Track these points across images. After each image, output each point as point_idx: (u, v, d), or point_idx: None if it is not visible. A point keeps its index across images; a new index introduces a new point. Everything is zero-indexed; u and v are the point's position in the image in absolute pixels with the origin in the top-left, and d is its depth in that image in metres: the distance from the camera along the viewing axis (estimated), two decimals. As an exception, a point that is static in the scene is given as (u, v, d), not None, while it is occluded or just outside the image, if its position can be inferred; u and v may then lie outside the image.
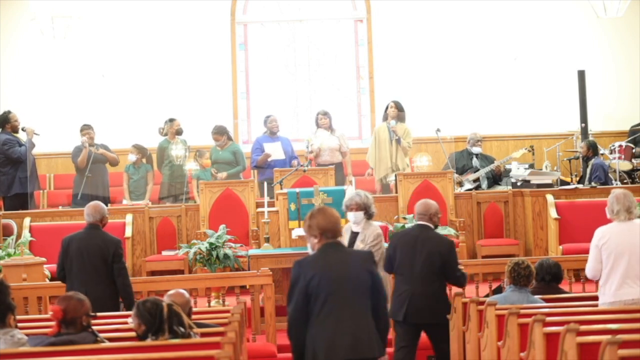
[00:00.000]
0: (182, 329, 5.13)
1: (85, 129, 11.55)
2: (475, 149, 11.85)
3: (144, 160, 11.98)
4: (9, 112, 11.22)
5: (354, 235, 7.27)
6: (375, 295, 4.99)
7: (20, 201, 10.99)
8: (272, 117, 11.76)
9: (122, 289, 7.13)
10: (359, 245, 7.12)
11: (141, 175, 11.88)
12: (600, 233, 6.38)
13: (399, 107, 11.50)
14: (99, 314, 6.32)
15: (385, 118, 11.57)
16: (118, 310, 7.06)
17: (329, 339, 4.83)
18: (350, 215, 7.26)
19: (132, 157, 11.84)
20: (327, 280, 4.88)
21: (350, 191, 9.49)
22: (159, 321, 5.13)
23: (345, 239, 7.09)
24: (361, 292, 4.92)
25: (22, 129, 11.17)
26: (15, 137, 11.14)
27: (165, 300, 5.31)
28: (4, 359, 4.91)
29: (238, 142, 13.46)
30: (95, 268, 7.07)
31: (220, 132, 11.68)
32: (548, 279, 6.83)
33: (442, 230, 9.34)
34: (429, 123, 12.47)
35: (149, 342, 5.14)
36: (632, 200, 6.40)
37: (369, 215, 7.23)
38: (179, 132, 11.82)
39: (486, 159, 11.93)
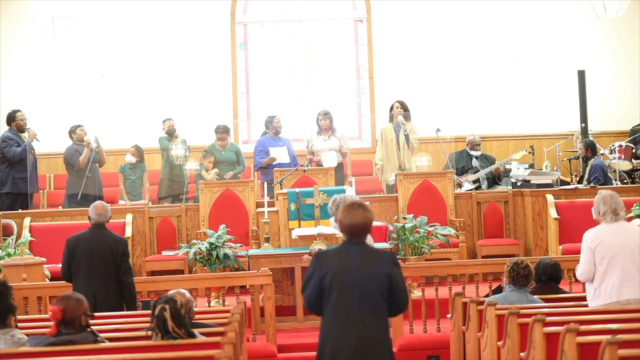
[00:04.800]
0: (177, 333, 5.12)
1: (79, 128, 11.54)
2: (474, 152, 11.85)
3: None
4: (18, 110, 11.28)
5: None
6: (392, 298, 4.88)
7: (11, 200, 11.00)
8: (277, 117, 11.70)
9: (128, 288, 7.18)
10: None
11: (138, 175, 11.91)
12: (592, 235, 6.35)
13: (404, 107, 11.49)
14: (105, 313, 6.37)
15: (391, 119, 11.53)
16: (123, 309, 7.10)
17: (336, 339, 4.80)
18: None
19: (132, 159, 11.85)
20: (340, 280, 4.81)
21: (350, 192, 9.50)
22: (155, 320, 5.15)
23: None
24: (375, 294, 4.82)
25: (27, 130, 11.21)
26: (19, 137, 11.16)
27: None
28: (4, 359, 4.92)
29: (238, 142, 13.48)
30: (105, 267, 7.10)
31: (227, 131, 11.80)
32: (544, 279, 6.82)
33: (442, 230, 9.37)
34: (429, 123, 12.46)
35: (148, 342, 5.14)
36: (618, 201, 6.40)
37: None
38: (169, 133, 11.93)
39: (486, 159, 11.92)
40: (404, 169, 11.24)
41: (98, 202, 7.41)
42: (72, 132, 11.59)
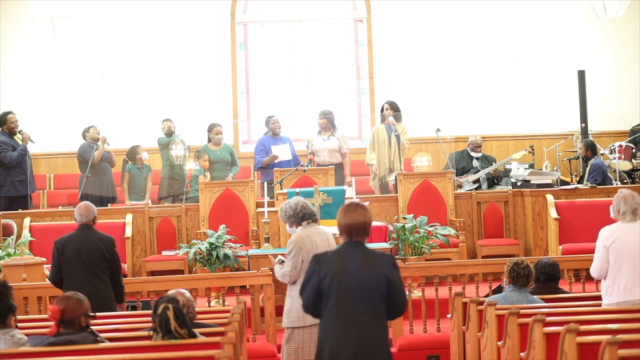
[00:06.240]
0: (179, 333, 5.11)
1: (92, 127, 11.64)
2: (475, 154, 11.85)
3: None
4: (9, 113, 11.21)
5: None
6: (390, 301, 4.87)
7: (9, 203, 10.99)
8: (274, 119, 11.71)
9: (121, 285, 7.16)
10: None
11: (144, 176, 11.95)
12: (607, 233, 6.39)
13: (394, 107, 11.48)
14: (101, 313, 6.36)
15: (382, 119, 11.55)
16: (116, 309, 7.08)
17: (334, 341, 4.80)
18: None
19: (147, 155, 11.91)
20: (338, 282, 4.81)
21: (349, 192, 9.50)
22: (157, 320, 5.14)
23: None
24: (373, 296, 4.81)
25: (20, 132, 11.17)
26: (12, 139, 11.11)
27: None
28: (4, 359, 4.92)
29: (238, 142, 13.49)
30: (97, 268, 7.02)
31: (221, 125, 11.76)
32: (542, 278, 6.82)
33: (442, 230, 9.37)
34: (429, 123, 12.47)
35: (148, 342, 5.14)
36: (639, 201, 6.42)
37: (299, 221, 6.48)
38: (168, 134, 11.98)
39: (487, 160, 11.93)
40: (393, 169, 11.23)
41: (82, 203, 7.32)
42: (85, 132, 11.67)
